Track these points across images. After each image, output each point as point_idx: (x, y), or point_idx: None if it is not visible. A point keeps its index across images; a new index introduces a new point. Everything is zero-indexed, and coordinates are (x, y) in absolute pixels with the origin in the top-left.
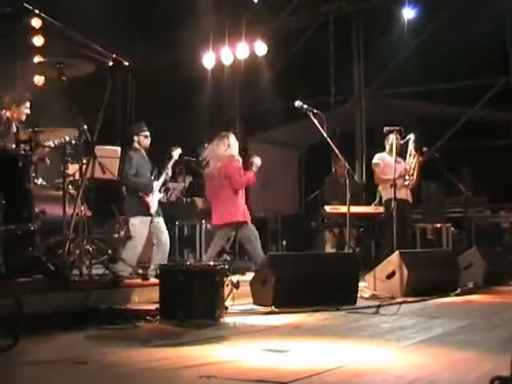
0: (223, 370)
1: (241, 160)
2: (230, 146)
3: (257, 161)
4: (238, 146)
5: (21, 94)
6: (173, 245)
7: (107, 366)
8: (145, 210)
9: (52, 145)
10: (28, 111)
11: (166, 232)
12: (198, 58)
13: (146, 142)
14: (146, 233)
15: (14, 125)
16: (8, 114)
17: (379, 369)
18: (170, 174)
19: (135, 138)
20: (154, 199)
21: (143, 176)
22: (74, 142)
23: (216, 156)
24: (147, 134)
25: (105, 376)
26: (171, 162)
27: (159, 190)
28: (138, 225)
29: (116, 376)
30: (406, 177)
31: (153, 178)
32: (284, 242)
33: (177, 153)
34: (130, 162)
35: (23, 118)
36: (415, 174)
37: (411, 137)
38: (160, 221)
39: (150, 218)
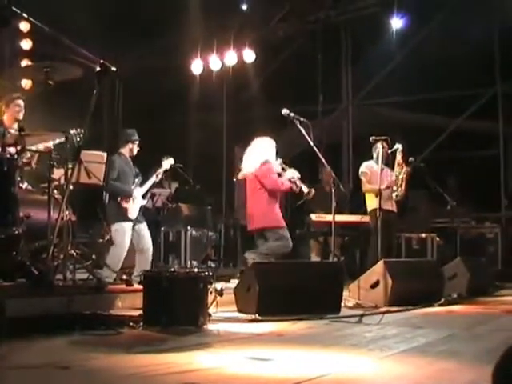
0: (205, 377)
1: (280, 166)
2: (265, 149)
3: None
4: (274, 150)
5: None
6: (158, 251)
7: (89, 371)
8: (123, 216)
9: (38, 149)
10: (21, 110)
11: (149, 238)
12: (187, 65)
13: (136, 150)
14: (129, 239)
15: (9, 129)
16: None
17: (362, 378)
18: (156, 181)
19: (129, 145)
20: (134, 205)
21: (125, 181)
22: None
23: (250, 160)
24: (138, 142)
25: (86, 382)
26: (160, 171)
27: (143, 197)
28: (120, 231)
29: (98, 382)
30: (394, 187)
31: (135, 184)
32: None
33: (168, 163)
34: (112, 165)
35: (20, 116)
36: (403, 185)
37: (399, 147)
38: (143, 227)
39: (131, 224)
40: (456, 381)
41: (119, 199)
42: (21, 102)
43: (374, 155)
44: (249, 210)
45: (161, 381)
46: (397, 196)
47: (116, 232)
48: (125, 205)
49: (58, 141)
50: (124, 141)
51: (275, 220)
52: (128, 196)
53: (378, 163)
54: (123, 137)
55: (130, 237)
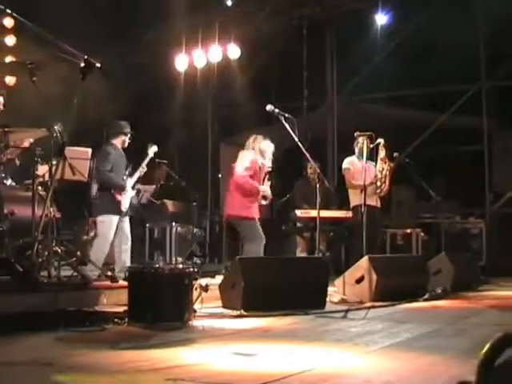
0: (190, 373)
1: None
2: (255, 149)
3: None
4: (271, 154)
5: None
6: (143, 247)
7: (73, 367)
8: (116, 209)
9: (22, 145)
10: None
11: (129, 233)
12: (172, 60)
13: (128, 142)
14: (113, 232)
15: None
16: None
17: (346, 373)
18: (144, 171)
19: (122, 136)
20: (126, 197)
21: (119, 173)
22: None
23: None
24: (130, 135)
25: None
26: (146, 160)
27: (132, 188)
28: (107, 223)
29: None
30: (378, 183)
31: (126, 175)
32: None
33: (152, 150)
34: (106, 157)
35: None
36: (387, 181)
37: (381, 141)
38: (126, 221)
39: (118, 218)
40: (441, 375)
41: (112, 191)
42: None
43: (356, 150)
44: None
45: (146, 377)
46: (381, 192)
47: (102, 224)
48: (119, 197)
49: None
50: (117, 132)
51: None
52: (122, 188)
53: (360, 158)
54: (116, 128)
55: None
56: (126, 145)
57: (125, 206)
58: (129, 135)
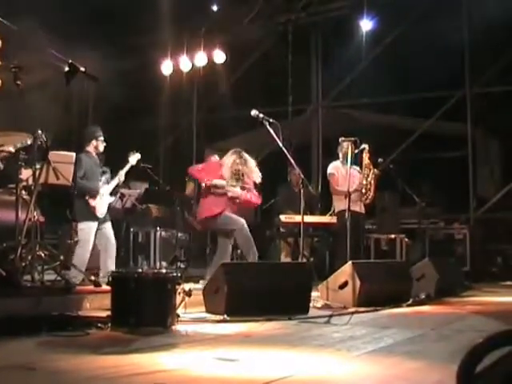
0: (173, 377)
1: (226, 170)
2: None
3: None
4: (231, 166)
5: None
6: (127, 252)
7: (56, 372)
8: (91, 215)
9: (6, 149)
10: None
11: (113, 238)
12: (157, 65)
13: (103, 146)
14: (93, 238)
15: None
16: None
17: (329, 379)
18: (122, 179)
19: (94, 142)
20: (102, 203)
21: (93, 179)
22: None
23: None
24: (103, 138)
25: (53, 383)
26: (127, 167)
27: (110, 194)
28: (86, 230)
29: (64, 383)
30: (363, 191)
31: (102, 182)
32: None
33: (134, 158)
34: (78, 164)
35: None
36: (372, 188)
37: (365, 147)
38: (107, 226)
39: (96, 224)
40: (423, 381)
41: (86, 197)
42: None
43: (340, 155)
44: None
45: (127, 382)
46: (366, 199)
47: (81, 231)
48: (92, 203)
49: (25, 142)
50: (88, 139)
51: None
52: (95, 193)
53: (344, 164)
54: (87, 135)
55: (94, 236)
56: (102, 149)
57: (100, 212)
58: (101, 139)
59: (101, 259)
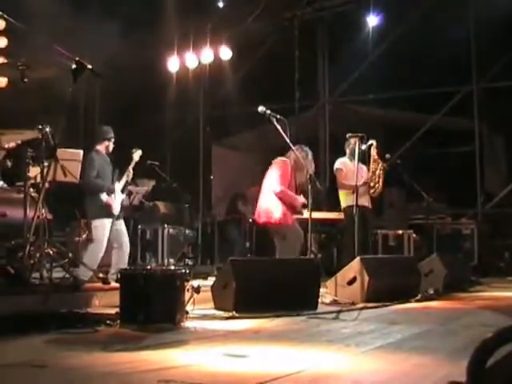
0: (182, 374)
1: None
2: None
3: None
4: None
5: None
6: (135, 249)
7: (66, 369)
8: (107, 213)
9: (14, 146)
10: None
11: (127, 235)
12: (164, 63)
13: (112, 146)
14: (107, 236)
15: None
16: None
17: (337, 374)
18: (131, 175)
19: (106, 142)
20: (116, 201)
21: (106, 178)
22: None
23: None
24: (113, 140)
25: (63, 380)
26: (132, 164)
27: (121, 192)
28: (101, 227)
29: (74, 380)
30: (371, 183)
31: (113, 180)
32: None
33: (137, 154)
34: (91, 163)
35: None
36: (380, 181)
37: (373, 142)
38: (121, 224)
39: (111, 221)
40: (431, 376)
41: (101, 196)
42: None
43: (347, 151)
44: None
45: (137, 378)
46: (374, 192)
47: (96, 229)
48: (109, 202)
49: (31, 136)
50: (101, 138)
51: None
52: (111, 192)
53: (351, 160)
54: (100, 134)
55: (109, 234)
56: (111, 149)
57: (116, 209)
58: (112, 140)
59: (113, 257)
